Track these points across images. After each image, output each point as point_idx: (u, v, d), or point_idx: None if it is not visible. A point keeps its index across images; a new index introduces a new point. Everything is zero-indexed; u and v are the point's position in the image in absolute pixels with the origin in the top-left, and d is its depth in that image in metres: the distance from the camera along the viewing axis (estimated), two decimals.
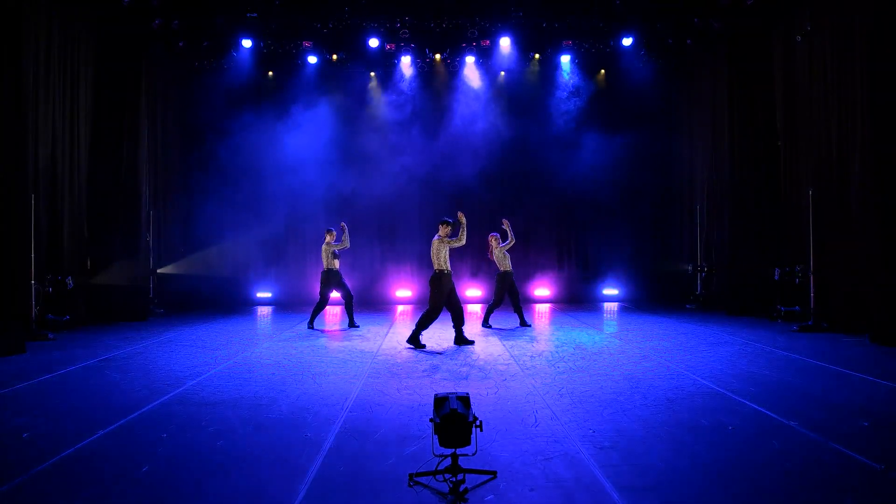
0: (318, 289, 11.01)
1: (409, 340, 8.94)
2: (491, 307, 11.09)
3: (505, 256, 10.92)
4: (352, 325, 11.10)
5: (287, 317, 12.97)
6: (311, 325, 10.95)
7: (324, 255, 10.89)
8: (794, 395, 6.03)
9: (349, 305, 11.17)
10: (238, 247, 15.86)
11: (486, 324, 11.06)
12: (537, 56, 15.73)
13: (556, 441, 4.68)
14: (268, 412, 5.52)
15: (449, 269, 8.96)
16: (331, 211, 15.62)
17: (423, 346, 8.90)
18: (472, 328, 10.54)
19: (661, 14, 13.65)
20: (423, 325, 8.96)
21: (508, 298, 11.10)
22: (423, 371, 7.29)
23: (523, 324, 11.06)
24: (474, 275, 16.01)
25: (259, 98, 15.81)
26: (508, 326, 11.07)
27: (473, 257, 15.97)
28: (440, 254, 8.91)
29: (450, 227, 9.10)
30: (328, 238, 10.97)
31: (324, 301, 10.93)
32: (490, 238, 11.08)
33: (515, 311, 11.18)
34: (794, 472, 4.10)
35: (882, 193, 8.80)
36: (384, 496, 3.75)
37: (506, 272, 10.86)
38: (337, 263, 10.95)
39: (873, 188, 8.97)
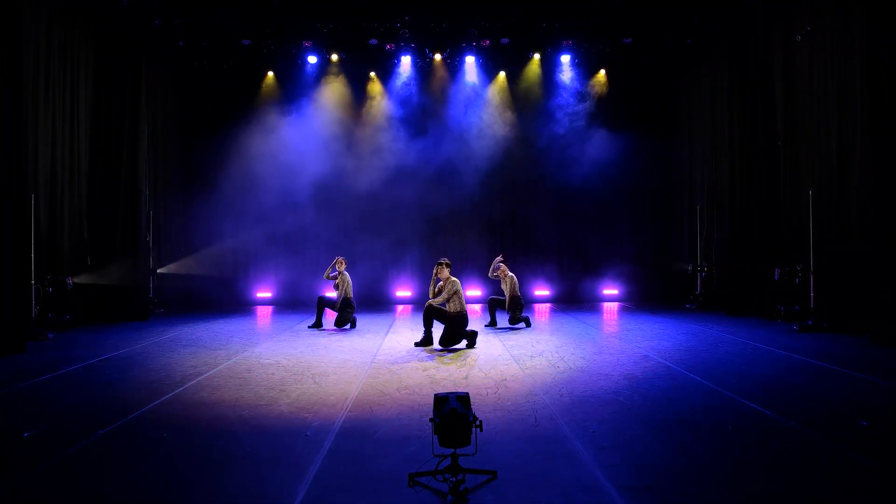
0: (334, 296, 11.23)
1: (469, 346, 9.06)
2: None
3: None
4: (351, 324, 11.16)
5: (287, 317, 12.96)
6: (319, 325, 11.01)
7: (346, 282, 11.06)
8: (794, 395, 6.03)
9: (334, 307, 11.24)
10: (238, 247, 15.87)
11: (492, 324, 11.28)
12: (537, 56, 15.72)
13: (556, 441, 4.68)
14: (268, 412, 5.52)
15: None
16: (331, 210, 15.63)
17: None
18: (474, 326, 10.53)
19: (662, 13, 13.64)
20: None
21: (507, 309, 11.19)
22: (423, 371, 7.28)
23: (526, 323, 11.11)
24: (470, 275, 16.00)
25: (259, 98, 15.82)
26: (509, 326, 11.07)
27: (473, 257, 16.00)
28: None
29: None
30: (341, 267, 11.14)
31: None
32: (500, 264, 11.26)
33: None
34: (794, 472, 4.10)
35: (882, 193, 8.80)
36: (384, 496, 3.75)
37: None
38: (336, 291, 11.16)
39: (873, 188, 8.97)
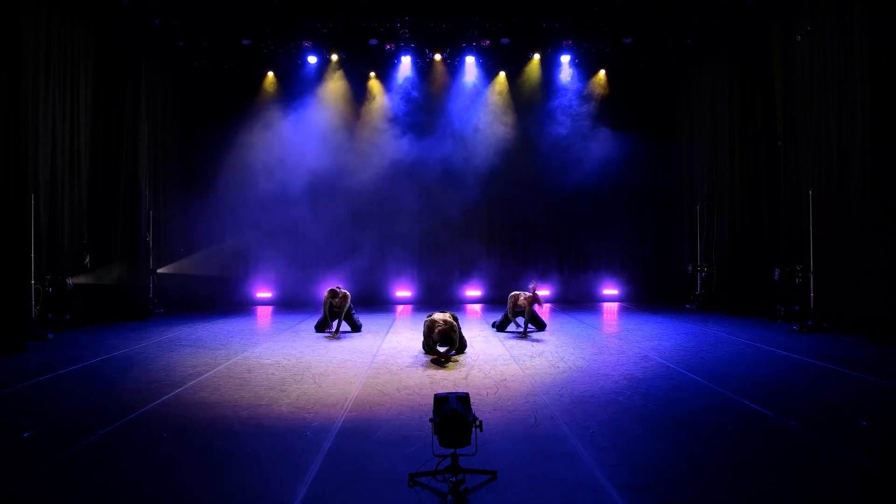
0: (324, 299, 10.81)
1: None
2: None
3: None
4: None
5: (287, 317, 12.96)
6: (320, 329, 10.87)
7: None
8: (795, 395, 6.03)
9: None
10: (238, 247, 15.88)
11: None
12: (537, 56, 15.72)
13: (556, 441, 4.68)
14: (268, 412, 5.52)
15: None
16: (331, 210, 15.63)
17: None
18: (476, 328, 10.53)
19: (662, 14, 13.64)
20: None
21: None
22: (423, 371, 7.28)
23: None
24: (470, 275, 16.01)
25: (259, 98, 15.82)
26: (509, 328, 11.05)
27: (472, 257, 16.00)
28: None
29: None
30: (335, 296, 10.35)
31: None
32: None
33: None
34: (794, 472, 4.11)
35: (882, 193, 8.80)
36: (384, 496, 3.75)
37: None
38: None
39: (873, 188, 8.97)
